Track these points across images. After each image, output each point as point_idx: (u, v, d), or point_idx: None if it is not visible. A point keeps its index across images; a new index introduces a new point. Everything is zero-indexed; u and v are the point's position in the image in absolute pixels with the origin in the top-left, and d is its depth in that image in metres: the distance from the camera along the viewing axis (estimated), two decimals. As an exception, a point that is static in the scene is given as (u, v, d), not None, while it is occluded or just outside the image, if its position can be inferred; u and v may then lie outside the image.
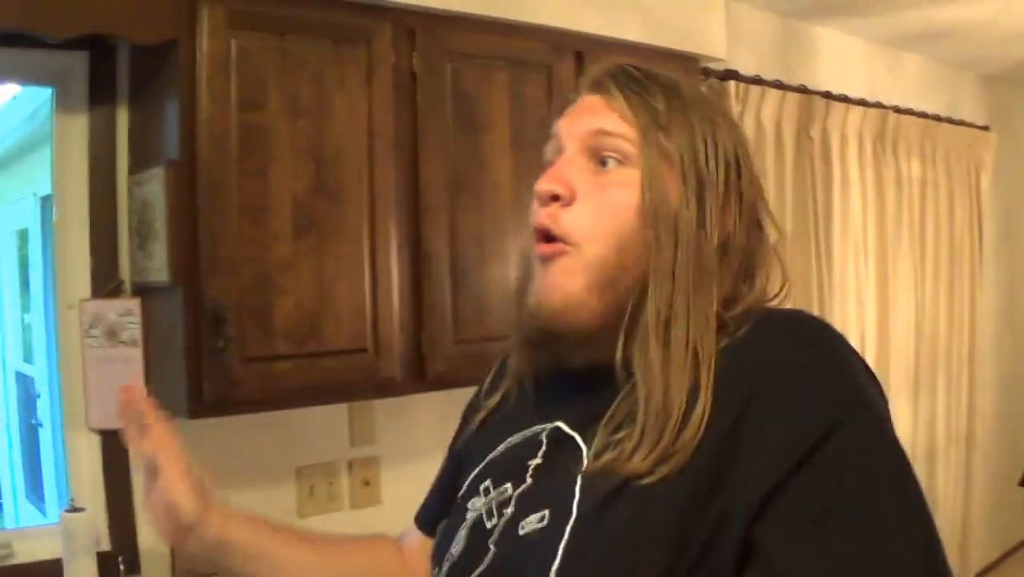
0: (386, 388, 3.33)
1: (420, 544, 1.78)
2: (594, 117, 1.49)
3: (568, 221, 1.45)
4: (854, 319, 5.77)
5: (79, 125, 3.27)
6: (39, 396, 5.05)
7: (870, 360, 5.73)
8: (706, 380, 1.32)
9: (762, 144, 5.09)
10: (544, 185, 1.47)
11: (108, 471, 3.31)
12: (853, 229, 5.76)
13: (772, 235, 1.55)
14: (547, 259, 1.46)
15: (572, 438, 1.44)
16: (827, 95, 5.54)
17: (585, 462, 1.38)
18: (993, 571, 7.55)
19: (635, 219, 1.42)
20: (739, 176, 1.49)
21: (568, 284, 1.43)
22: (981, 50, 6.62)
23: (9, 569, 3.17)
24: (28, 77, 3.35)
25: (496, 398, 1.70)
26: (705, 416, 1.29)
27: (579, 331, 1.44)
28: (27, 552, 3.23)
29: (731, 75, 4.86)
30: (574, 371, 1.48)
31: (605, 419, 1.39)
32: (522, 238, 1.56)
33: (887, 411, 1.33)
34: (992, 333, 7.47)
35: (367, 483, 3.89)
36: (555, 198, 1.46)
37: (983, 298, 7.16)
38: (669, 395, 1.33)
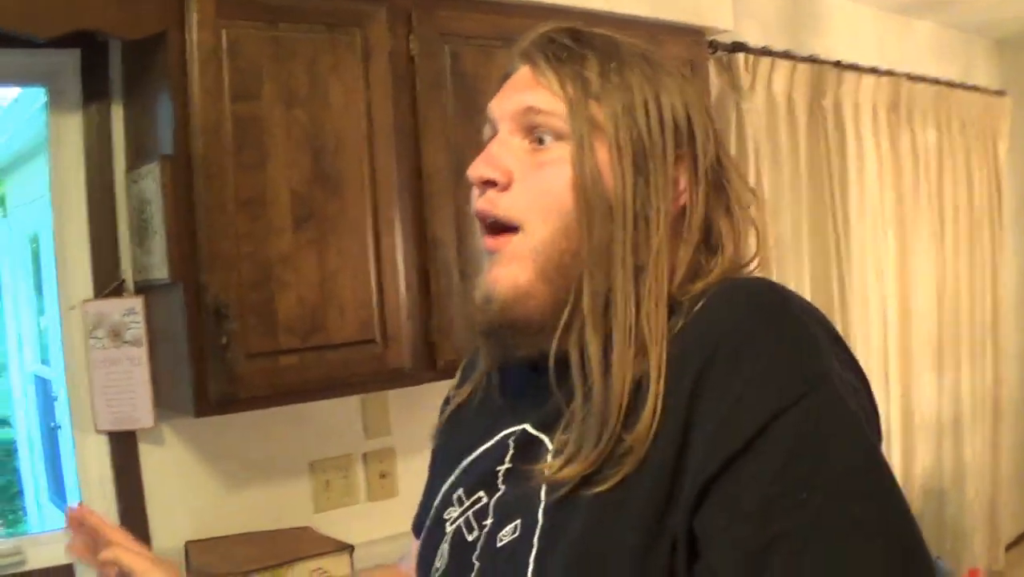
0: (396, 379, 3.29)
1: None
2: (523, 94, 1.41)
3: (507, 204, 1.39)
4: (874, 292, 5.72)
5: (74, 124, 3.24)
6: (56, 398, 5.05)
7: (892, 333, 5.77)
8: (656, 369, 1.24)
9: (774, 116, 5.04)
10: (477, 171, 1.41)
11: (118, 473, 3.28)
12: (870, 200, 5.71)
13: (746, 197, 1.45)
14: (494, 252, 1.40)
15: (539, 440, 1.39)
16: (838, 64, 5.47)
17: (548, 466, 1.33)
18: (1024, 542, 7.50)
19: (568, 200, 1.36)
20: (692, 137, 1.40)
21: (516, 274, 1.37)
22: (992, 13, 6.55)
23: (19, 576, 3.15)
24: (20, 78, 3.32)
25: (464, 393, 1.63)
26: (658, 409, 1.22)
27: (528, 320, 1.38)
28: (39, 558, 3.20)
29: (739, 47, 4.81)
30: (536, 367, 1.40)
31: (564, 419, 1.33)
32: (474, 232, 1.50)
33: (859, 384, 1.25)
34: (1015, 301, 7.39)
35: (383, 475, 3.85)
36: (491, 183, 1.41)
37: (1004, 266, 7.08)
38: (609, 389, 1.27)
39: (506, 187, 1.40)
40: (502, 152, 1.41)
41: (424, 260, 3.31)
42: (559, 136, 1.37)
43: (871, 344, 5.67)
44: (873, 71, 5.75)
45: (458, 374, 1.74)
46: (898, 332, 5.95)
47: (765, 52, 4.97)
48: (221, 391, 2.90)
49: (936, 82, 6.35)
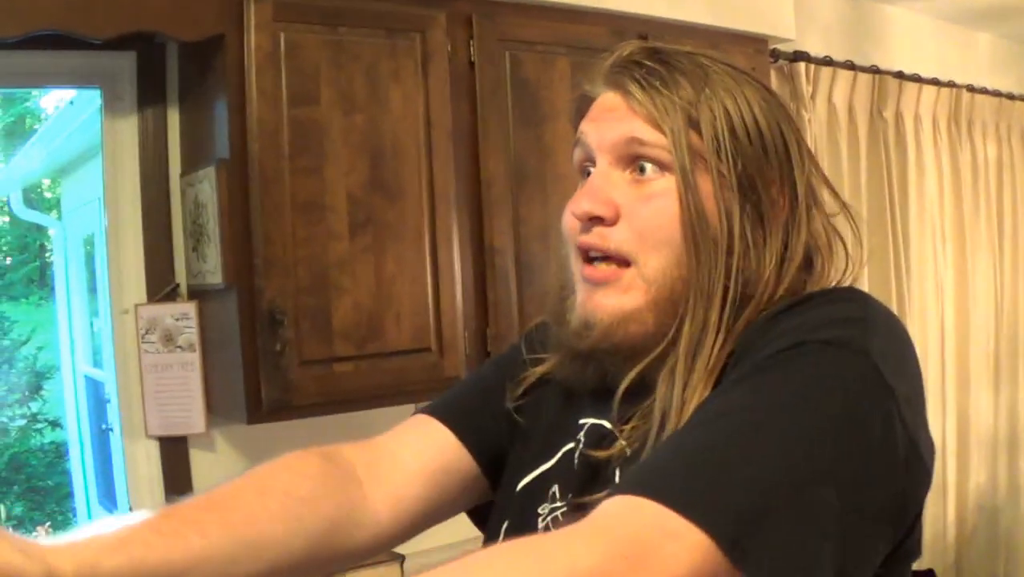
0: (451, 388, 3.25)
1: (441, 438, 1.61)
2: (622, 124, 1.37)
3: (618, 239, 1.36)
4: (933, 306, 5.64)
5: (129, 127, 3.23)
6: (108, 401, 5.06)
7: (950, 348, 5.70)
8: None
9: (834, 127, 4.98)
10: (583, 206, 1.38)
11: (168, 478, 3.26)
12: (930, 213, 5.63)
13: (831, 207, 1.43)
14: (599, 281, 1.38)
15: (613, 435, 1.39)
16: (899, 75, 5.41)
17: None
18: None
19: (675, 231, 1.34)
20: (788, 154, 1.38)
21: (624, 302, 1.36)
22: (1053, 26, 6.47)
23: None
24: (76, 80, 3.31)
25: (545, 368, 1.58)
26: None
27: (629, 345, 1.36)
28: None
29: (801, 56, 4.75)
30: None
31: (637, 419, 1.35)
32: (560, 252, 1.46)
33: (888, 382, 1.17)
34: (1075, 316, 7.29)
35: (435, 485, 3.81)
36: (597, 219, 1.38)
37: (1065, 281, 6.99)
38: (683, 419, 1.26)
39: (613, 222, 1.37)
40: (606, 186, 1.38)
41: (481, 268, 3.28)
42: (662, 167, 1.35)
43: (928, 358, 5.59)
44: (934, 82, 5.68)
45: (523, 341, 1.69)
46: (955, 347, 5.88)
47: (826, 62, 4.91)
48: (274, 398, 2.89)
49: (997, 94, 6.27)
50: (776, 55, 4.62)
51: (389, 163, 3.08)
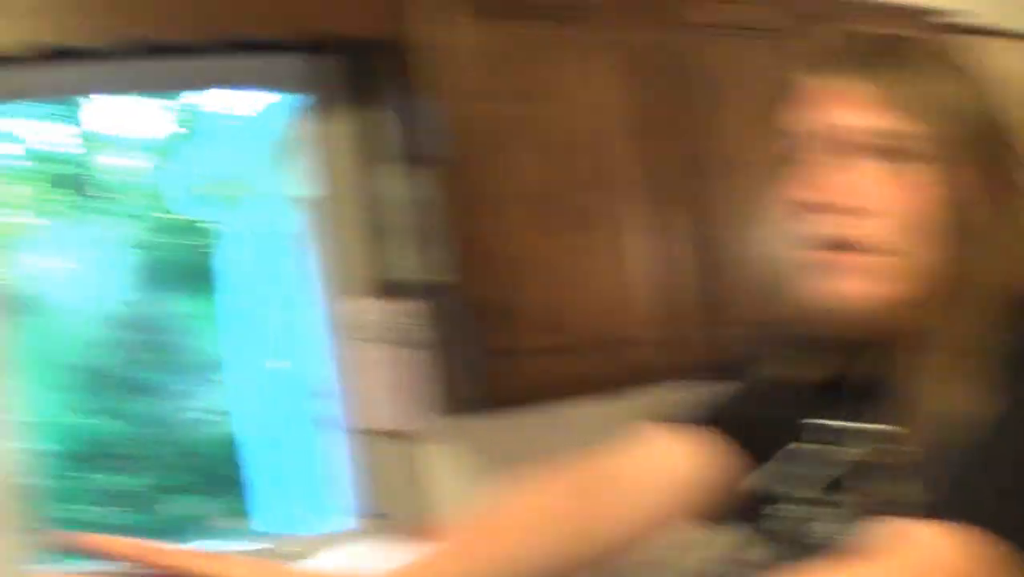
0: (683, 379, 3.12)
1: (671, 447, 1.61)
2: (856, 112, 1.35)
3: (867, 230, 1.34)
4: None
5: (340, 128, 3.31)
6: (316, 395, 5.11)
7: None
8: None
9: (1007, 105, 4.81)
10: (827, 196, 1.35)
11: (376, 475, 3.37)
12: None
13: None
14: (843, 269, 1.36)
15: (854, 444, 1.40)
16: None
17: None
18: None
19: (934, 223, 1.33)
20: (1007, 140, 1.38)
21: (869, 290, 1.35)
22: None
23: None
24: (288, 85, 3.37)
25: (765, 373, 1.58)
26: None
27: (869, 337, 1.39)
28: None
29: (966, 28, 4.62)
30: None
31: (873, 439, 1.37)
32: (774, 237, 1.47)
33: None
34: None
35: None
36: (841, 209, 1.35)
37: None
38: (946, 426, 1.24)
39: (857, 212, 1.34)
40: (849, 176, 1.35)
41: (705, 259, 3.31)
42: (907, 157, 1.33)
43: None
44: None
45: (741, 342, 1.76)
46: None
47: (993, 32, 4.75)
48: (493, 392, 2.97)
49: None
50: (936, 28, 4.52)
51: (584, 155, 3.11)
